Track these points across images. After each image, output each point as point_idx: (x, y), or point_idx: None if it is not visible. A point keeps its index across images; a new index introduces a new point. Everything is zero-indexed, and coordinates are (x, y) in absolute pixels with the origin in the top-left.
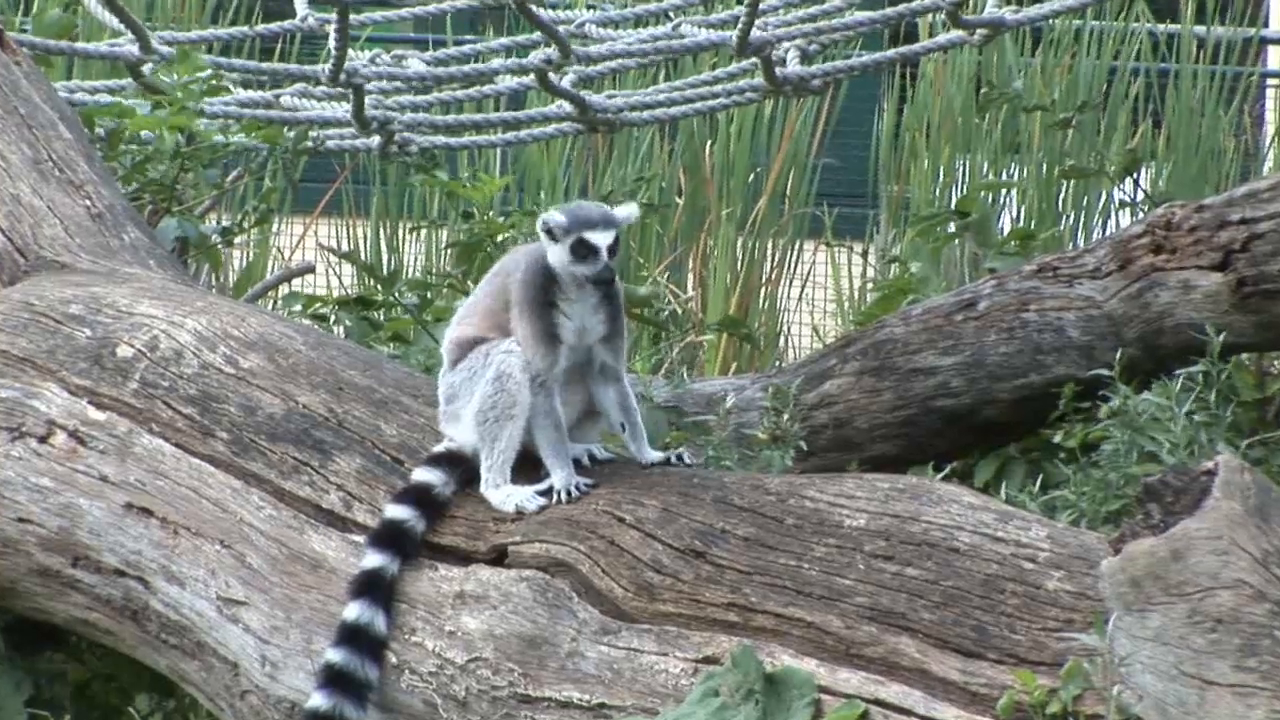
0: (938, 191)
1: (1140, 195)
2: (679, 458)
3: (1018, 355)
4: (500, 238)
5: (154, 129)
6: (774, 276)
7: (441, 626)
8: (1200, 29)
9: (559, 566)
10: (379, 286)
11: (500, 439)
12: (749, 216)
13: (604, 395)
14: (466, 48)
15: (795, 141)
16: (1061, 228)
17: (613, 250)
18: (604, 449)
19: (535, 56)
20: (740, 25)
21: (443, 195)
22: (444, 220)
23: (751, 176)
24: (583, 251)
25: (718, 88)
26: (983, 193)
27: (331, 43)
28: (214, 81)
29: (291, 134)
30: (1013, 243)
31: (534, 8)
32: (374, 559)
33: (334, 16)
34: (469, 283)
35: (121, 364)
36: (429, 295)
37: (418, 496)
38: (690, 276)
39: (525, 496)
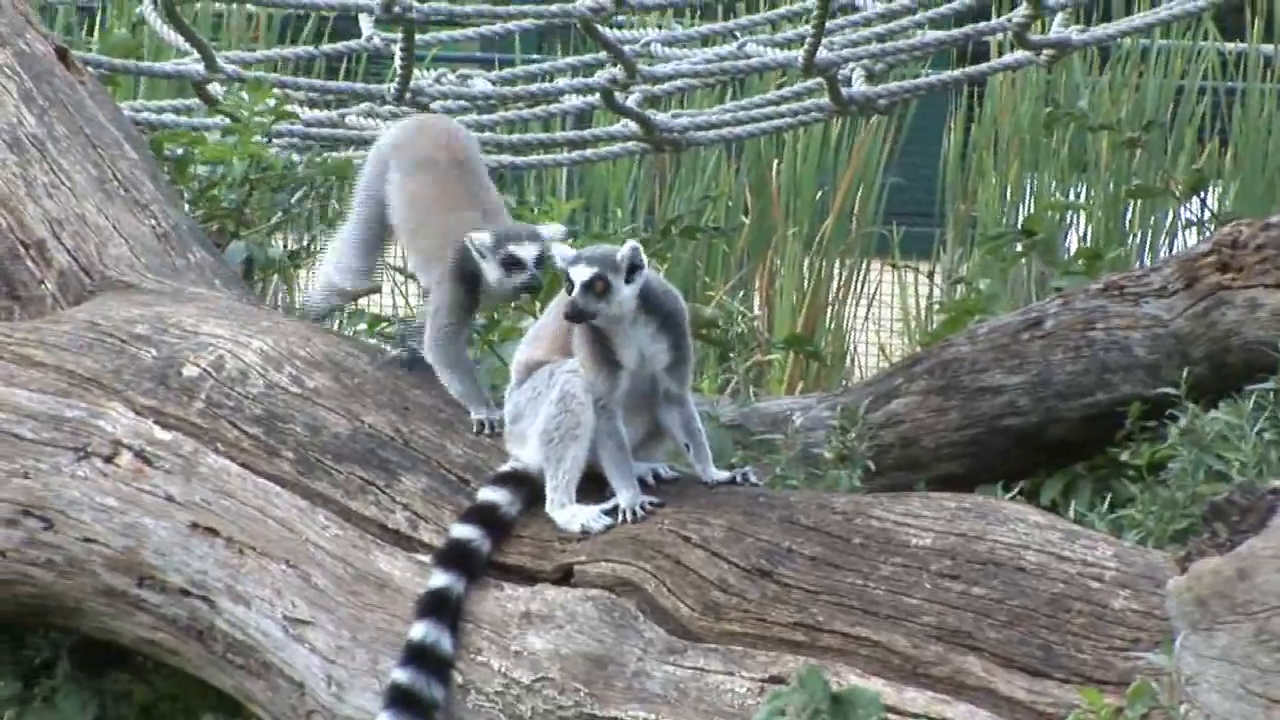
0: (1004, 211)
1: (1206, 214)
2: (744, 477)
3: (1084, 374)
4: None
5: (224, 158)
6: (840, 296)
7: (507, 646)
8: (1268, 47)
9: (625, 586)
10: None
11: (565, 459)
12: (815, 235)
13: (668, 416)
14: (533, 67)
15: (864, 160)
16: (1128, 247)
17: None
18: (669, 468)
19: (601, 76)
20: (806, 45)
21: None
22: None
23: (819, 194)
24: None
25: (783, 107)
26: (1049, 212)
27: (397, 62)
28: (282, 106)
29: (359, 160)
30: (1079, 262)
31: (600, 27)
32: (440, 579)
33: (399, 36)
34: (536, 304)
35: (187, 384)
36: (495, 315)
37: (483, 516)
38: (757, 295)
39: (591, 516)
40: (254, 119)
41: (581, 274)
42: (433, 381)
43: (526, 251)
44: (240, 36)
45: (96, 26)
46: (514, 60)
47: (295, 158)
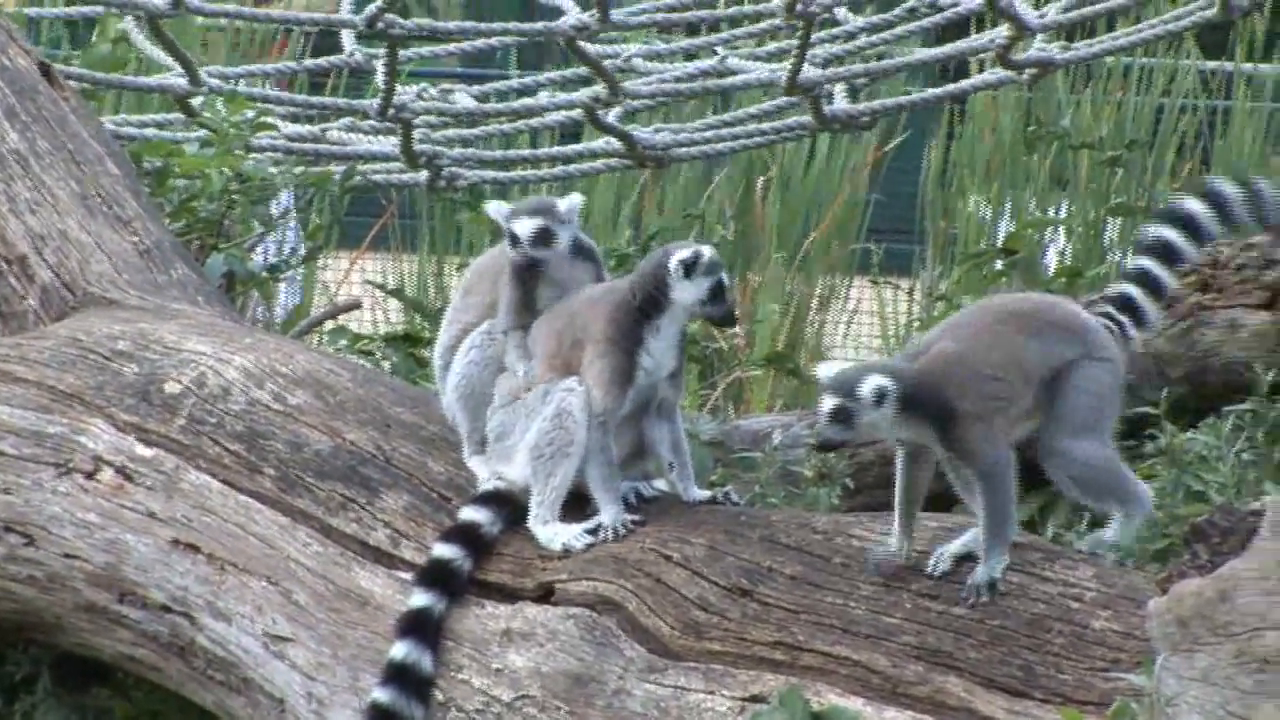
0: (985, 228)
1: None
2: (726, 496)
3: None
4: None
5: (202, 169)
6: (820, 313)
7: (488, 664)
8: (1248, 66)
9: (606, 604)
10: (426, 323)
11: (555, 475)
12: (797, 252)
13: (657, 432)
14: (515, 82)
15: (851, 178)
16: (1108, 265)
17: (537, 240)
18: (650, 486)
19: (584, 93)
20: (790, 65)
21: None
22: None
23: (804, 213)
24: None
25: (765, 124)
26: (1030, 230)
27: (380, 78)
28: (262, 119)
29: (339, 173)
30: (1059, 280)
31: (583, 44)
32: (421, 598)
33: (382, 51)
34: None
35: (169, 400)
36: None
37: (465, 535)
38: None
39: (573, 535)
40: (232, 130)
41: (527, 226)
42: (415, 399)
43: (521, 226)
44: (231, 50)
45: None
46: (497, 76)
47: (274, 170)
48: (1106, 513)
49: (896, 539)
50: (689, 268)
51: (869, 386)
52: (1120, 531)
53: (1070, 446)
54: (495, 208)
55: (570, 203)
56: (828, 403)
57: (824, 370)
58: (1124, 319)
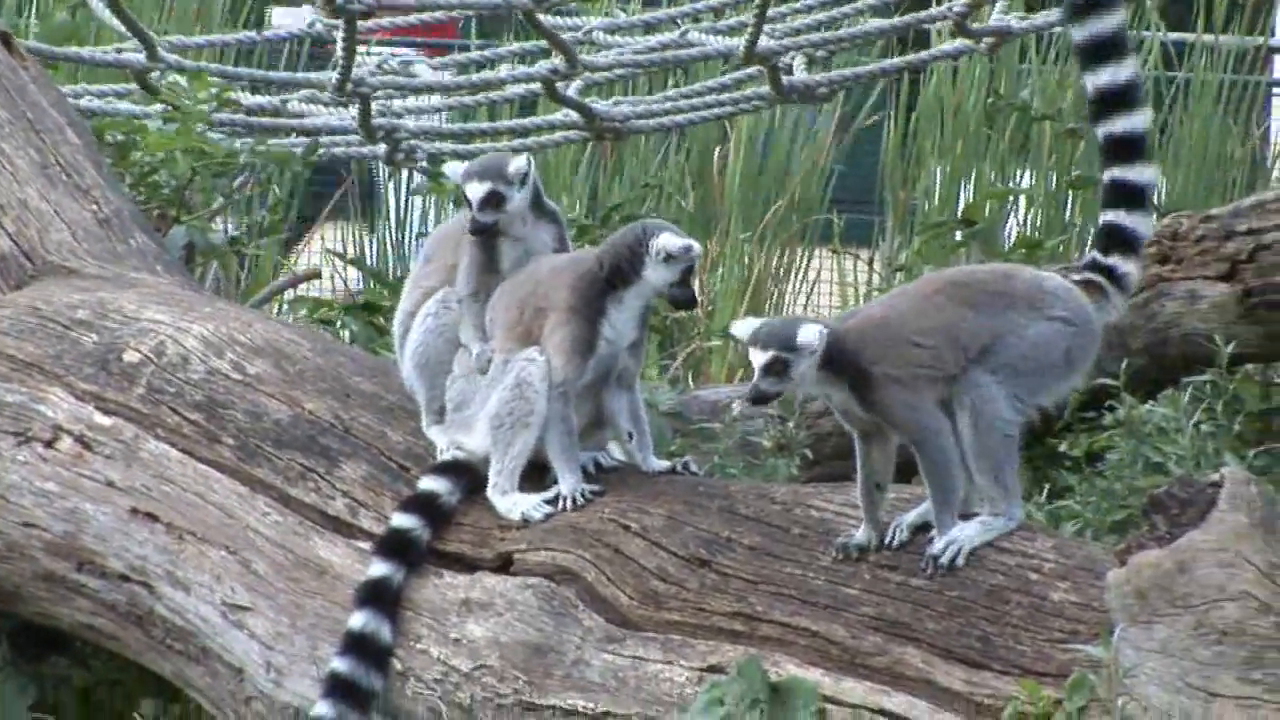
0: (945, 199)
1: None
2: (684, 466)
3: None
4: None
5: (165, 148)
6: (780, 283)
7: (447, 634)
8: (1209, 37)
9: (565, 574)
10: (385, 292)
11: (514, 445)
12: (759, 223)
13: (616, 402)
14: (475, 54)
15: (812, 148)
16: (1068, 236)
17: (487, 203)
18: (609, 457)
19: (542, 66)
20: (748, 34)
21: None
22: None
23: (766, 184)
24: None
25: (724, 95)
26: (990, 201)
27: (339, 52)
28: (223, 94)
29: (302, 147)
30: (1019, 251)
31: (542, 17)
32: (380, 568)
33: (341, 24)
34: None
35: (128, 369)
36: None
37: (423, 505)
38: (698, 282)
39: (532, 505)
40: (195, 108)
41: (477, 190)
42: (374, 369)
43: (472, 189)
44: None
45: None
46: (456, 48)
47: (237, 145)
48: (977, 499)
49: (863, 530)
50: (670, 256)
51: (806, 335)
52: (981, 531)
53: (985, 381)
54: (452, 168)
55: (518, 164)
56: (761, 356)
57: (741, 328)
58: (1102, 280)
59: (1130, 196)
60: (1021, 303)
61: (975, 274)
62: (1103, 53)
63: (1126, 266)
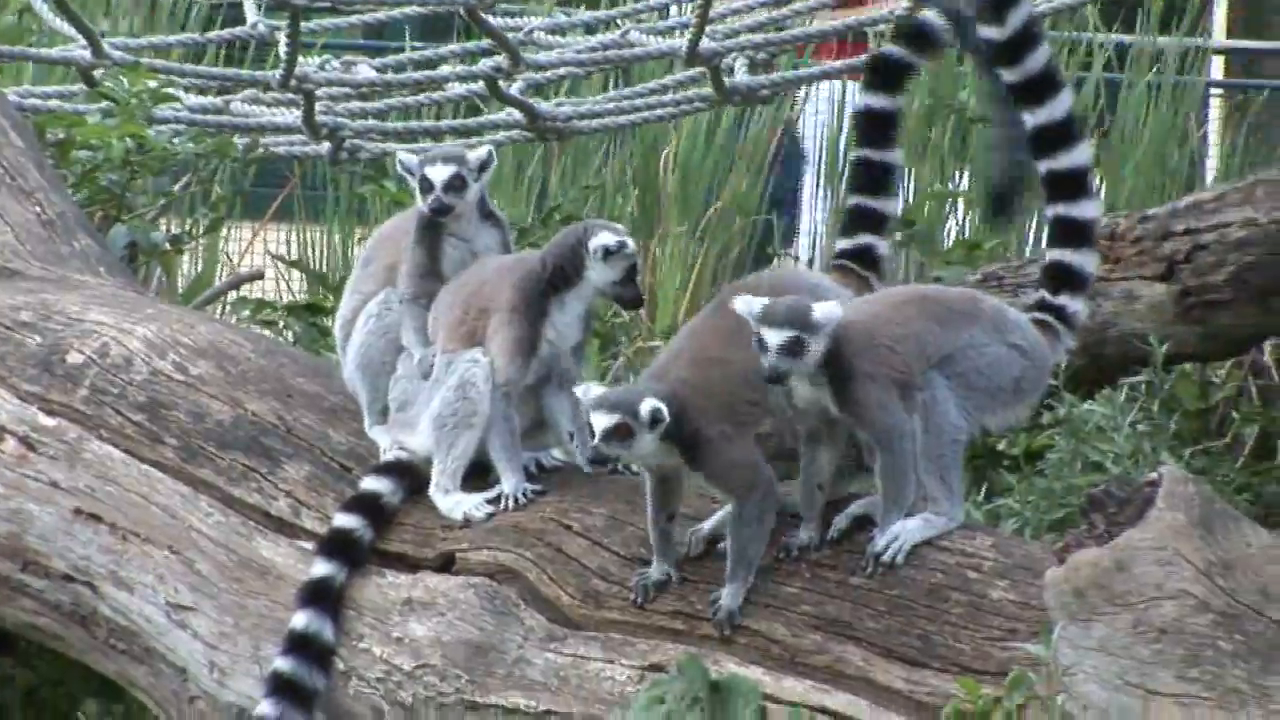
0: None
1: None
2: (626, 466)
3: None
4: None
5: (104, 138)
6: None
7: (389, 633)
8: (1148, 39)
9: (506, 574)
10: (328, 293)
11: (457, 445)
12: (699, 223)
13: (556, 403)
14: (416, 54)
15: (753, 147)
16: (1007, 238)
17: (450, 186)
18: (551, 457)
19: (485, 64)
20: (690, 35)
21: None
22: None
23: (709, 183)
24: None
25: (667, 97)
26: (929, 202)
27: (282, 48)
28: (164, 89)
29: (243, 143)
30: (958, 252)
31: (485, 15)
32: (322, 568)
33: (285, 23)
34: None
35: (71, 370)
36: None
37: (366, 505)
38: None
39: (474, 504)
40: (133, 100)
41: (441, 172)
42: (317, 370)
43: (435, 173)
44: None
45: None
46: (400, 48)
47: (177, 141)
48: (920, 499)
49: (805, 530)
50: (609, 253)
51: (823, 312)
52: (923, 528)
53: (940, 385)
54: (405, 156)
55: (479, 153)
56: (780, 335)
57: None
58: (1052, 320)
59: (1076, 233)
60: (986, 323)
61: (946, 293)
62: (1036, 92)
63: (1075, 305)
